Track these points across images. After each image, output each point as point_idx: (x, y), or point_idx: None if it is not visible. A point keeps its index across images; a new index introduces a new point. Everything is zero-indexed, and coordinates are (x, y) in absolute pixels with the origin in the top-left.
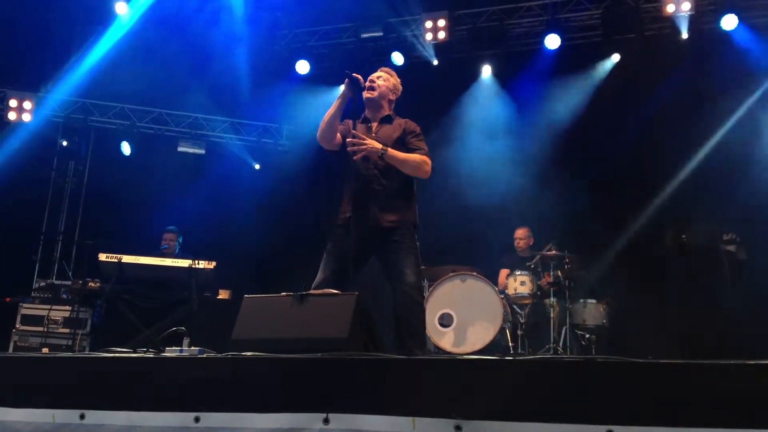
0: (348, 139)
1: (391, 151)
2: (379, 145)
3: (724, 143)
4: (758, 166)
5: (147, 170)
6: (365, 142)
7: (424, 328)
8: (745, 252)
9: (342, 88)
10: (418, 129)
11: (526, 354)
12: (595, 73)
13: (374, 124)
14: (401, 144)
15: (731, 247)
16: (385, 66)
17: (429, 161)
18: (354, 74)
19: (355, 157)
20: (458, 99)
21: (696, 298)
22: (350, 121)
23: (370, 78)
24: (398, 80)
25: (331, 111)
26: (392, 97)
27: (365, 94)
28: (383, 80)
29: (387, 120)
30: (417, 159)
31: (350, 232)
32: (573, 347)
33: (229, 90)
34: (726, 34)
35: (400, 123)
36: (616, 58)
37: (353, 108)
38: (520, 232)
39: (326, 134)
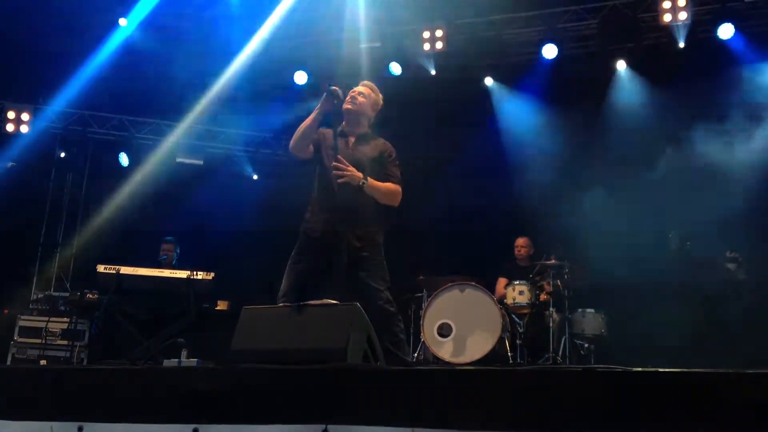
0: (334, 163)
1: (371, 181)
2: (360, 175)
3: (723, 153)
4: (756, 178)
5: (145, 181)
6: (348, 169)
7: (405, 334)
8: (745, 273)
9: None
10: (394, 153)
11: (525, 364)
12: (594, 83)
13: (351, 139)
14: (378, 164)
15: (731, 266)
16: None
17: (401, 190)
18: (333, 87)
19: (339, 180)
20: (458, 108)
21: (695, 310)
22: (325, 131)
23: (351, 92)
24: (380, 96)
25: (307, 122)
26: (371, 113)
27: (345, 106)
28: (364, 96)
29: (364, 137)
30: (392, 189)
31: (313, 244)
32: (572, 357)
33: (227, 100)
34: (723, 42)
35: (377, 143)
36: (622, 65)
37: (331, 120)
38: (521, 241)
39: (300, 145)
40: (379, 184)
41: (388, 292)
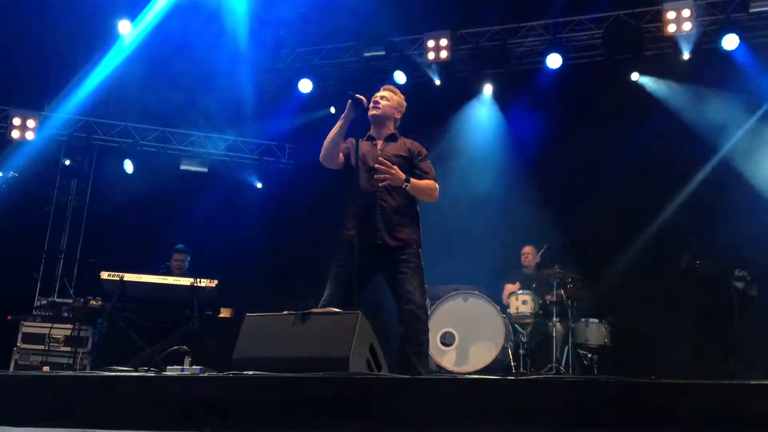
0: (377, 165)
1: (413, 181)
2: (403, 176)
3: (726, 165)
4: (760, 189)
5: (149, 188)
6: (392, 170)
7: (428, 346)
8: (756, 289)
9: (345, 108)
10: (425, 151)
11: (528, 373)
12: (600, 92)
13: (379, 142)
14: (408, 164)
15: (739, 284)
16: (388, 84)
17: (437, 186)
18: (357, 95)
19: (380, 184)
20: (461, 117)
21: (700, 323)
22: (353, 139)
23: (374, 97)
24: (402, 97)
25: (333, 132)
26: (397, 115)
27: (370, 111)
28: (387, 99)
29: (392, 138)
30: (431, 185)
31: (354, 251)
32: (575, 367)
33: (232, 108)
34: (727, 53)
35: (405, 143)
36: (635, 76)
37: (356, 128)
38: (527, 249)
39: (330, 155)
40: (420, 182)
41: (422, 298)
